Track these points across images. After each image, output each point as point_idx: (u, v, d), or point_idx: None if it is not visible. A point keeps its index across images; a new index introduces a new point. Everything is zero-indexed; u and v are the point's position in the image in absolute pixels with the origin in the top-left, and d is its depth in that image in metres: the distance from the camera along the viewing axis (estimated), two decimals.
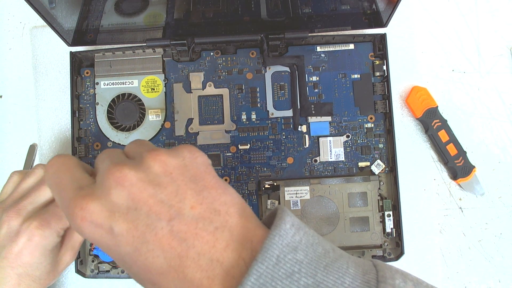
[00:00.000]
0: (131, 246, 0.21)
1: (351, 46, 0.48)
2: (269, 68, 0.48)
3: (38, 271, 0.34)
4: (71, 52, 0.47)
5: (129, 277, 0.46)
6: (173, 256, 0.21)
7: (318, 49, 0.48)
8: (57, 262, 0.37)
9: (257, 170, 0.47)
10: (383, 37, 0.47)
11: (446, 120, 0.48)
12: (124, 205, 0.22)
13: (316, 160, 0.47)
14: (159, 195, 0.22)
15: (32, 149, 0.50)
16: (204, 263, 0.21)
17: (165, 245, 0.21)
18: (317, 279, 0.20)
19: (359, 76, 0.48)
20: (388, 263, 0.45)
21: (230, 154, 0.47)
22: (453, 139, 0.47)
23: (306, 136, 0.47)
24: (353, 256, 0.23)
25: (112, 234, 0.21)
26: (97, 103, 0.48)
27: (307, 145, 0.47)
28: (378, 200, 0.46)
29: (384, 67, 0.47)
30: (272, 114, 0.47)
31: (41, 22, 0.42)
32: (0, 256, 0.33)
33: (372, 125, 0.47)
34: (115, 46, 0.47)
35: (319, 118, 0.47)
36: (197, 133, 0.47)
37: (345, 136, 0.47)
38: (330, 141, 0.47)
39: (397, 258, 0.45)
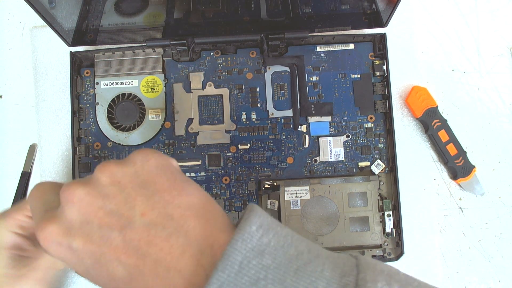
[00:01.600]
0: (91, 259, 0.21)
1: (351, 46, 0.48)
2: (269, 68, 0.48)
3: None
4: (71, 52, 0.47)
5: None
6: (131, 266, 0.21)
7: (318, 49, 0.48)
8: (19, 274, 0.33)
9: (257, 170, 0.47)
10: (383, 37, 0.47)
11: (446, 120, 0.48)
12: (78, 221, 0.22)
13: (316, 160, 0.47)
14: (108, 206, 0.22)
15: (32, 149, 0.50)
16: (162, 272, 0.20)
17: (121, 255, 0.21)
18: (285, 286, 0.19)
19: (359, 76, 0.48)
20: (388, 263, 0.45)
21: (230, 154, 0.47)
22: (453, 139, 0.47)
23: (306, 136, 0.47)
24: (335, 253, 0.22)
25: (72, 250, 0.22)
26: (97, 103, 0.48)
27: (307, 145, 0.47)
28: (378, 200, 0.46)
29: (384, 67, 0.47)
30: (272, 114, 0.47)
31: (41, 22, 0.41)
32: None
33: (372, 125, 0.47)
34: (115, 46, 0.47)
35: (319, 118, 0.47)
36: (197, 133, 0.47)
37: (345, 136, 0.47)
38: (330, 141, 0.47)
39: (397, 258, 0.45)
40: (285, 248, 0.20)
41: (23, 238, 0.33)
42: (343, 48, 0.48)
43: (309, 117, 0.47)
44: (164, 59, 0.48)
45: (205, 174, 0.47)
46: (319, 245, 0.27)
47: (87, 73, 0.48)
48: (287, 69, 0.48)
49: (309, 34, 0.46)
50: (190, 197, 0.23)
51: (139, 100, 0.48)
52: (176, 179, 0.23)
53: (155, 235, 0.21)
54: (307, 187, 0.46)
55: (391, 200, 0.46)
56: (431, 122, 0.47)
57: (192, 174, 0.47)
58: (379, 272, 0.20)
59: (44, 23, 0.41)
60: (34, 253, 0.34)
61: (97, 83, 0.48)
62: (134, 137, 0.47)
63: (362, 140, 0.47)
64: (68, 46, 0.46)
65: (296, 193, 0.46)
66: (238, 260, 0.19)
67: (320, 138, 0.47)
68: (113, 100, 0.48)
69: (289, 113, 0.47)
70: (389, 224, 0.45)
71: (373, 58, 0.48)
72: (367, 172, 0.47)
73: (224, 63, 0.48)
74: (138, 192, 0.22)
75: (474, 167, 0.48)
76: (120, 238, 0.21)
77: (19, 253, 0.33)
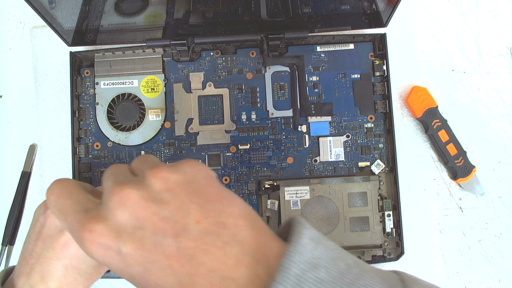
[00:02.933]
0: (140, 266, 0.21)
1: (351, 46, 0.48)
2: (269, 68, 0.48)
3: (84, 264, 0.33)
4: (71, 52, 0.47)
5: None
6: (183, 274, 0.20)
7: (318, 49, 0.48)
8: None
9: (257, 170, 0.47)
10: (383, 37, 0.47)
11: (446, 120, 0.48)
12: (130, 225, 0.21)
13: (316, 160, 0.47)
14: (162, 211, 0.21)
15: (32, 149, 0.50)
16: (217, 281, 0.20)
17: (174, 263, 0.20)
18: None
19: (359, 76, 0.48)
20: (388, 263, 0.45)
21: (230, 154, 0.47)
22: (453, 139, 0.47)
23: (306, 136, 0.47)
24: (377, 268, 0.22)
25: (121, 255, 0.21)
26: (97, 103, 0.48)
27: (307, 145, 0.47)
28: (378, 200, 0.46)
29: (384, 67, 0.47)
30: (272, 114, 0.47)
31: (41, 22, 0.41)
32: (47, 247, 0.32)
33: (372, 125, 0.47)
34: (115, 46, 0.47)
35: (319, 118, 0.47)
36: (197, 133, 0.47)
37: (345, 136, 0.47)
38: (330, 141, 0.47)
39: (397, 258, 0.45)
40: (335, 261, 0.20)
41: None
42: (343, 48, 0.48)
43: (309, 117, 0.47)
44: (164, 59, 0.48)
45: None
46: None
47: (87, 73, 0.48)
48: (287, 69, 0.48)
49: (309, 34, 0.46)
50: (239, 207, 0.22)
51: (139, 100, 0.48)
52: (223, 190, 0.23)
53: (211, 244, 0.20)
54: (307, 187, 0.46)
55: (391, 200, 0.46)
56: (431, 122, 0.47)
57: None
58: (422, 286, 0.20)
59: (44, 23, 0.41)
60: None
61: (97, 83, 0.48)
62: (134, 137, 0.47)
63: (362, 140, 0.47)
64: (68, 46, 0.46)
65: (296, 193, 0.46)
66: (295, 272, 0.19)
67: (320, 138, 0.47)
68: (113, 100, 0.48)
69: (289, 113, 0.47)
70: (389, 224, 0.45)
71: (373, 58, 0.48)
72: (367, 172, 0.47)
73: (224, 63, 0.48)
74: (191, 200, 0.22)
75: (474, 167, 0.48)
76: (175, 246, 0.20)
77: None
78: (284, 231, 0.23)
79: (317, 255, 0.20)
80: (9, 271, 0.33)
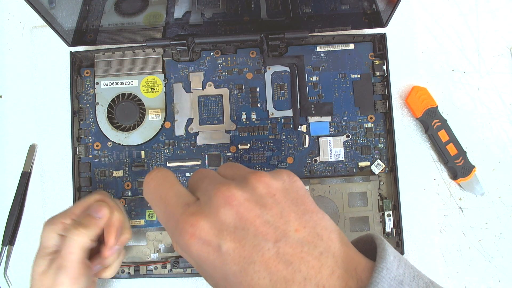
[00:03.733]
0: (237, 266, 0.21)
1: (351, 46, 0.48)
2: (269, 68, 0.48)
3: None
4: (71, 52, 0.47)
5: (130, 277, 0.46)
6: (279, 278, 0.21)
7: (318, 49, 0.48)
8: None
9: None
10: (383, 37, 0.47)
11: (446, 120, 0.48)
12: (232, 224, 0.22)
13: (316, 160, 0.47)
14: (265, 216, 0.22)
15: (32, 149, 0.50)
16: None
17: (272, 267, 0.21)
18: None
19: (359, 76, 0.48)
20: None
21: (230, 154, 0.47)
22: (453, 139, 0.47)
23: (306, 136, 0.47)
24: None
25: (220, 252, 0.21)
26: (97, 103, 0.48)
27: (307, 145, 0.47)
28: (378, 200, 0.46)
29: (384, 67, 0.47)
30: (272, 114, 0.47)
31: (41, 22, 0.42)
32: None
33: (372, 125, 0.47)
34: (115, 46, 0.47)
35: (319, 118, 0.47)
36: (197, 133, 0.47)
37: (345, 136, 0.47)
38: (330, 141, 0.47)
39: None
40: (416, 280, 0.21)
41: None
42: (343, 48, 0.48)
43: (309, 117, 0.47)
44: (164, 59, 0.48)
45: None
46: None
47: (87, 73, 0.48)
48: (287, 69, 0.48)
49: (309, 34, 0.46)
50: (331, 221, 0.23)
51: (139, 100, 0.48)
52: (315, 203, 0.24)
53: (308, 252, 0.21)
54: (307, 187, 0.46)
55: (391, 200, 0.46)
56: (431, 122, 0.47)
57: None
58: None
59: (44, 23, 0.41)
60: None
61: (97, 83, 0.48)
62: (134, 137, 0.47)
63: (362, 140, 0.47)
64: (68, 46, 0.46)
65: None
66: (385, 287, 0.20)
67: (320, 138, 0.47)
68: (113, 100, 0.48)
69: (289, 113, 0.47)
70: (389, 224, 0.45)
71: (373, 58, 0.48)
72: (367, 172, 0.47)
73: (224, 63, 0.48)
74: (291, 208, 0.23)
75: (474, 167, 0.48)
76: (274, 250, 0.21)
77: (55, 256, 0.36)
78: (361, 246, 0.23)
79: (401, 272, 0.21)
80: None
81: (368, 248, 0.23)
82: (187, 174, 0.47)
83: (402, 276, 0.20)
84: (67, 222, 0.37)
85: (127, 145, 0.47)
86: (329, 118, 0.47)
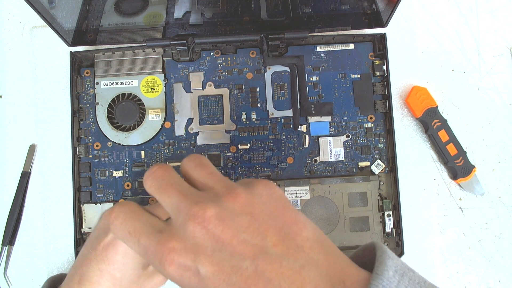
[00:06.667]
0: None
1: (351, 46, 0.48)
2: (269, 68, 0.48)
3: (119, 272, 0.32)
4: (71, 52, 0.47)
5: None
6: None
7: (318, 49, 0.48)
8: (145, 276, 0.34)
9: (257, 170, 0.47)
10: (383, 37, 0.47)
11: (446, 120, 0.48)
12: (209, 247, 0.21)
13: (316, 160, 0.47)
14: (241, 234, 0.21)
15: (32, 149, 0.50)
16: None
17: (251, 286, 0.20)
18: None
19: (359, 76, 0.48)
20: None
21: (230, 154, 0.47)
22: (453, 139, 0.47)
23: (306, 136, 0.47)
24: None
25: (199, 276, 0.21)
26: (97, 103, 0.48)
27: (307, 145, 0.47)
28: (378, 200, 0.46)
29: (384, 67, 0.47)
30: (272, 114, 0.47)
31: (41, 22, 0.41)
32: (91, 248, 0.32)
33: (372, 125, 0.47)
34: (115, 46, 0.47)
35: (319, 118, 0.47)
36: (197, 133, 0.47)
37: (345, 136, 0.47)
38: (330, 141, 0.47)
39: None
40: None
41: None
42: (343, 48, 0.48)
43: (309, 117, 0.47)
44: (164, 59, 0.48)
45: None
46: None
47: (87, 73, 0.48)
48: (287, 69, 0.48)
49: (309, 34, 0.46)
50: (313, 230, 0.22)
51: (139, 100, 0.48)
52: (296, 213, 0.23)
53: (287, 267, 0.20)
54: (307, 187, 0.46)
55: (391, 200, 0.46)
56: (431, 122, 0.47)
57: None
58: None
59: (44, 23, 0.41)
60: None
61: (97, 83, 0.48)
62: (134, 137, 0.47)
63: (362, 140, 0.47)
64: (68, 46, 0.46)
65: (296, 193, 0.46)
66: None
67: (320, 138, 0.47)
68: (113, 100, 0.48)
69: (289, 113, 0.47)
70: (389, 224, 0.45)
71: (373, 58, 0.48)
72: (367, 172, 0.47)
73: (224, 63, 0.48)
74: (268, 223, 0.22)
75: (474, 167, 0.48)
76: (252, 268, 0.20)
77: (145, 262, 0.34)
78: (362, 255, 0.22)
79: None
80: (63, 277, 0.33)
81: (373, 258, 0.22)
82: None
83: None
84: None
85: (127, 145, 0.47)
86: (329, 118, 0.47)
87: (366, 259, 0.22)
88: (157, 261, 0.22)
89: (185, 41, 0.45)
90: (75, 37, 0.45)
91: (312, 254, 0.21)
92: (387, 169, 0.47)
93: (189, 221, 0.22)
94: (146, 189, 0.25)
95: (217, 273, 0.20)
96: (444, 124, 0.47)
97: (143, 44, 0.46)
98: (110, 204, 0.47)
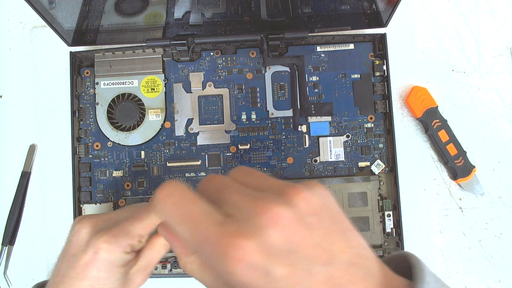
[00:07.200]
0: None
1: (351, 46, 0.48)
2: (269, 68, 0.48)
3: (104, 286, 0.33)
4: (71, 52, 0.47)
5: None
6: None
7: (318, 49, 0.48)
8: (127, 281, 0.35)
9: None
10: (383, 37, 0.47)
11: (446, 120, 0.48)
12: (282, 247, 0.20)
13: (316, 160, 0.47)
14: (312, 237, 0.20)
15: (32, 149, 0.50)
16: None
17: None
18: None
19: (359, 76, 0.48)
20: None
21: (230, 154, 0.47)
22: (453, 139, 0.47)
23: (306, 136, 0.47)
24: None
25: (269, 278, 0.19)
26: (97, 103, 0.48)
27: (307, 145, 0.47)
28: (378, 200, 0.46)
29: (384, 67, 0.47)
30: (272, 114, 0.47)
31: (41, 22, 0.42)
32: (70, 266, 0.32)
33: (372, 125, 0.47)
34: (115, 46, 0.47)
35: (319, 118, 0.47)
36: (197, 133, 0.47)
37: (345, 136, 0.47)
38: (330, 141, 0.47)
39: None
40: None
41: (131, 255, 0.34)
42: (343, 48, 0.48)
43: (309, 117, 0.47)
44: (164, 59, 0.48)
45: (205, 174, 0.47)
46: None
47: (87, 73, 0.48)
48: (287, 69, 0.48)
49: (309, 34, 0.46)
50: (363, 239, 0.22)
51: (139, 100, 0.48)
52: (349, 220, 0.23)
53: (354, 274, 0.20)
54: None
55: (391, 200, 0.46)
56: (431, 122, 0.47)
57: (192, 174, 0.47)
58: None
59: (44, 23, 0.41)
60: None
61: (97, 83, 0.48)
62: (134, 137, 0.47)
63: (362, 140, 0.47)
64: (68, 46, 0.46)
65: None
66: None
67: (320, 138, 0.47)
68: (113, 100, 0.48)
69: (289, 113, 0.47)
70: (389, 224, 0.45)
71: (373, 58, 0.48)
72: (367, 172, 0.47)
73: (224, 63, 0.48)
74: (332, 227, 0.21)
75: (474, 167, 0.48)
76: (324, 273, 0.20)
77: (127, 270, 0.34)
78: (394, 263, 0.23)
79: None
80: (41, 286, 0.33)
81: (400, 268, 0.22)
82: (187, 175, 0.47)
83: None
84: (134, 243, 0.34)
85: (127, 145, 0.47)
86: (329, 118, 0.47)
87: (395, 269, 0.22)
88: (218, 255, 0.20)
89: (185, 41, 0.45)
90: (75, 37, 0.46)
91: (370, 263, 0.21)
92: (387, 169, 0.47)
93: (258, 217, 0.20)
94: (206, 188, 0.23)
95: (290, 276, 0.20)
96: (444, 124, 0.47)
97: (143, 44, 0.46)
98: (110, 204, 0.47)
